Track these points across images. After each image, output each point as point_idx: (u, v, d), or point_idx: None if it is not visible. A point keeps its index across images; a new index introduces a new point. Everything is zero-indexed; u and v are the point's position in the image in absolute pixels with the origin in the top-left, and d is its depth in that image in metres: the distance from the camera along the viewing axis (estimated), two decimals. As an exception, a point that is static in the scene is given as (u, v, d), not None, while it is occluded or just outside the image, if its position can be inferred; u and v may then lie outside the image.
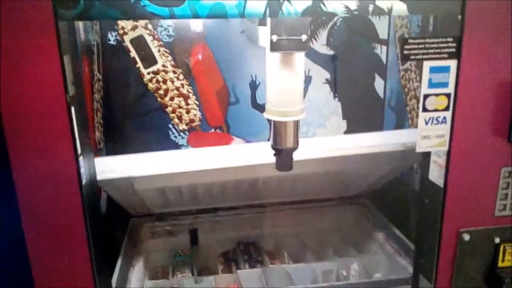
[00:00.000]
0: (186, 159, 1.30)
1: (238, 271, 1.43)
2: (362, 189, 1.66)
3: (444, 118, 0.93)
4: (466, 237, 1.00)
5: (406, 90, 1.59)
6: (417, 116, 0.94)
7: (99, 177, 0.97)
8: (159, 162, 1.27)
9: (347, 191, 1.68)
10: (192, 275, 1.46)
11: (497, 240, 1.01)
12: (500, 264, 1.03)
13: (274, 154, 1.12)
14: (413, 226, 1.44)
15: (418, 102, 0.93)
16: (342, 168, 1.43)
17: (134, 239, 1.49)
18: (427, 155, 1.02)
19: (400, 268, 1.34)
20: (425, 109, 0.92)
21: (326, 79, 1.67)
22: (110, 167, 1.20)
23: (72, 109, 0.80)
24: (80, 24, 1.08)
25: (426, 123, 0.93)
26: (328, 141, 1.42)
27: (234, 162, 1.27)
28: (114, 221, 1.56)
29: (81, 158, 0.84)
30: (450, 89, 0.91)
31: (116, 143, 1.58)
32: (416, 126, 0.94)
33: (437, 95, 0.91)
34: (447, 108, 0.92)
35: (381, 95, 1.73)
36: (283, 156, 1.11)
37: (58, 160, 0.81)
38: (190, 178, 1.32)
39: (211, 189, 1.47)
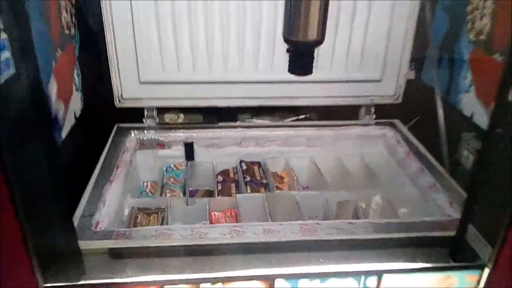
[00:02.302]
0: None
1: (237, 194, 1.20)
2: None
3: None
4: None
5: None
6: None
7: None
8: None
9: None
10: (184, 195, 1.25)
11: None
12: None
13: (288, 51, 0.82)
14: (462, 162, 1.18)
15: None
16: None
17: (118, 149, 1.26)
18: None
19: (435, 207, 1.09)
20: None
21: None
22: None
23: None
24: None
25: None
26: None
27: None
28: (92, 127, 1.32)
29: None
30: None
31: None
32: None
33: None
34: None
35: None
36: (301, 53, 0.81)
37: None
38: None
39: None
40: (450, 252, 0.89)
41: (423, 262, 0.88)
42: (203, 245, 0.90)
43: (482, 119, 1.18)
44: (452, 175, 1.17)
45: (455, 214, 1.02)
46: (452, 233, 0.92)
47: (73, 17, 1.20)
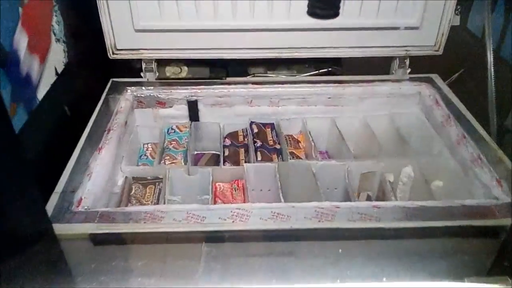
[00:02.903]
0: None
1: (246, 163, 1.05)
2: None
3: None
4: None
5: None
6: None
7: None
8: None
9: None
10: (186, 162, 1.10)
11: None
12: None
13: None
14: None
15: None
16: None
17: (111, 109, 1.11)
18: None
19: (478, 185, 0.91)
20: None
21: None
22: None
23: None
24: None
25: None
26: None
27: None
28: (82, 84, 1.16)
29: None
30: None
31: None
32: None
33: None
34: None
35: None
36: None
37: None
38: None
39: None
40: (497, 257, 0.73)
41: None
42: (199, 231, 0.76)
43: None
44: (501, 146, 0.98)
45: (504, 196, 0.84)
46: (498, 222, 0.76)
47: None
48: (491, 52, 1.07)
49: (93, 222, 0.78)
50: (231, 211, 0.79)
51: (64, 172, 0.88)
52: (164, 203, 0.92)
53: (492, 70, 1.05)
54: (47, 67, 0.98)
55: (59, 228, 0.75)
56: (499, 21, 1.12)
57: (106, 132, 1.01)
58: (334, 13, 0.64)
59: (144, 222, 0.77)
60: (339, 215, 0.79)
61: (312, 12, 0.64)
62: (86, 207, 0.82)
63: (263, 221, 0.77)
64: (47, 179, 0.84)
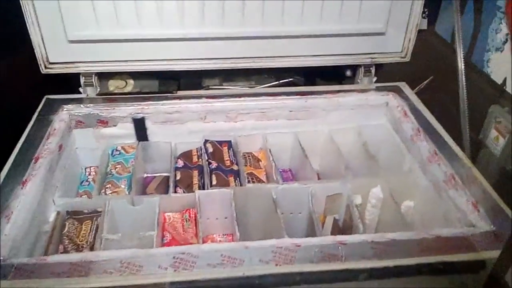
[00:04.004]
0: None
1: (197, 191, 0.93)
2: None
3: None
4: None
5: None
6: None
7: None
8: None
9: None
10: (130, 191, 0.97)
11: None
12: None
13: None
14: (488, 144, 0.89)
15: None
16: None
17: (42, 132, 0.97)
18: None
19: (452, 207, 0.83)
20: None
21: None
22: None
23: None
24: None
25: None
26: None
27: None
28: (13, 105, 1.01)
29: None
30: None
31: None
32: None
33: None
34: None
35: None
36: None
37: None
38: None
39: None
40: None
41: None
42: (133, 286, 0.64)
43: (518, 88, 0.90)
44: (475, 163, 0.90)
45: (482, 223, 0.76)
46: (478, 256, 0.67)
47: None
48: (462, 59, 0.99)
49: (7, 278, 0.65)
50: (174, 257, 0.67)
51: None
52: (100, 243, 0.80)
53: (464, 79, 0.97)
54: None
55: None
56: (469, 23, 1.04)
57: (33, 161, 0.87)
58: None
59: (68, 277, 0.65)
60: (300, 254, 0.69)
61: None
62: (1, 258, 0.68)
63: (211, 269, 0.66)
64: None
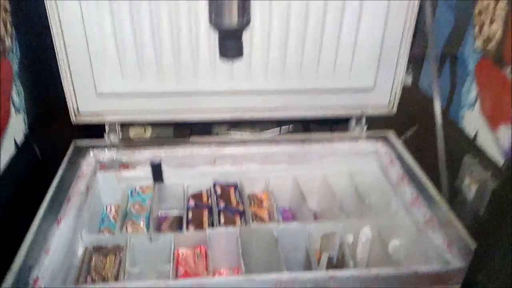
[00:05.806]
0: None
1: (208, 229, 1.06)
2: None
3: None
4: None
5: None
6: None
7: None
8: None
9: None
10: (148, 227, 1.10)
11: None
12: None
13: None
14: (463, 190, 1.03)
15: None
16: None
17: (72, 175, 1.10)
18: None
19: (431, 247, 0.95)
20: None
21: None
22: None
23: None
24: None
25: None
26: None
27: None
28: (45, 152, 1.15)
29: None
30: None
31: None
32: None
33: None
34: None
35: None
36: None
37: None
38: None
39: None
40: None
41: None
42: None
43: (487, 141, 1.03)
44: (451, 204, 1.03)
45: (455, 261, 0.88)
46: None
47: (10, 26, 1.02)
48: (440, 115, 1.13)
49: (49, 304, 0.76)
50: (190, 288, 0.79)
51: (21, 247, 0.87)
52: (124, 275, 0.92)
53: (442, 133, 1.11)
54: (6, 140, 0.97)
55: (11, 316, 0.73)
56: (447, 82, 1.19)
57: (65, 201, 1.00)
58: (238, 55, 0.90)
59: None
60: (297, 286, 0.81)
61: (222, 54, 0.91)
62: (42, 287, 0.80)
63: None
64: (4, 256, 0.82)
